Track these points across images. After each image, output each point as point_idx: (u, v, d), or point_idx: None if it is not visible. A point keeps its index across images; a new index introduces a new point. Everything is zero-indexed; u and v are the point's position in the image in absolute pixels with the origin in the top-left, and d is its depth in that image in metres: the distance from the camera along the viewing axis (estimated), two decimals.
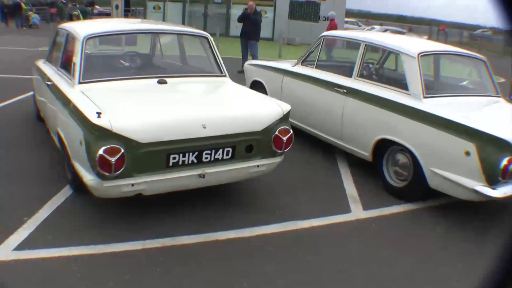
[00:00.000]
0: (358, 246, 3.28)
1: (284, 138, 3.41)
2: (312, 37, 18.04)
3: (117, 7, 15.87)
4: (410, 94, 4.00)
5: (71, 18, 22.35)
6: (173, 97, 3.71)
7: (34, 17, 23.17)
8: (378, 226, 3.60)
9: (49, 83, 4.15)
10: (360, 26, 36.01)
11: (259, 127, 3.35)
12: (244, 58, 10.49)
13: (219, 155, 3.22)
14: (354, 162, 4.80)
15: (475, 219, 3.83)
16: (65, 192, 3.71)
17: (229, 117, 3.32)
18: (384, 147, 4.17)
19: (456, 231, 3.59)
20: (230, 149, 3.26)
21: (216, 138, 3.16)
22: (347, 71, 4.76)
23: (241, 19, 10.60)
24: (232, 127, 3.24)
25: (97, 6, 35.94)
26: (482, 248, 3.28)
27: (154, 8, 22.42)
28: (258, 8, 10.91)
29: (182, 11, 22.19)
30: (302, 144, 5.21)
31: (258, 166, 3.44)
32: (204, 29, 5.74)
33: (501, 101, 4.36)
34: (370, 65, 5.13)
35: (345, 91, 4.56)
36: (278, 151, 3.46)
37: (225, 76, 4.20)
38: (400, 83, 4.23)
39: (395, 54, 4.77)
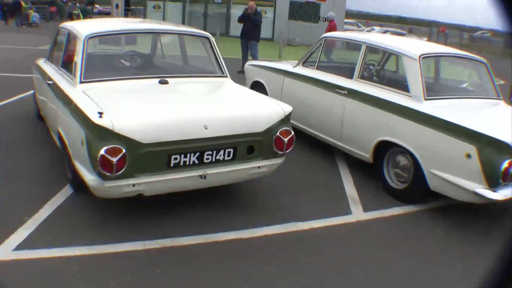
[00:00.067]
0: (358, 248, 3.28)
1: (285, 139, 3.41)
2: (312, 37, 18.10)
3: (117, 6, 15.85)
4: (411, 96, 4.00)
5: (71, 17, 22.33)
6: (175, 98, 3.70)
7: (34, 15, 23.15)
8: (379, 228, 3.61)
9: (50, 82, 4.14)
10: (359, 27, 36.06)
11: (260, 128, 3.34)
12: (244, 59, 10.49)
13: (220, 156, 3.22)
14: (354, 163, 4.81)
15: (475, 221, 3.83)
16: (66, 192, 3.71)
17: (231, 118, 3.31)
18: (384, 148, 4.18)
19: (456, 233, 3.60)
20: (232, 150, 3.25)
21: (218, 139, 3.16)
22: (348, 73, 4.76)
23: (241, 19, 10.59)
24: (234, 128, 3.23)
25: (97, 5, 35.96)
26: (482, 250, 3.29)
27: (154, 7, 22.40)
28: (258, 9, 10.90)
29: (182, 10, 22.18)
30: (302, 145, 5.21)
31: (259, 167, 3.43)
32: (204, 29, 5.74)
33: (502, 103, 4.37)
34: (371, 67, 5.14)
35: (346, 92, 4.56)
36: (279, 152, 3.46)
37: (226, 76, 4.20)
38: (401, 85, 4.23)
39: (396, 55, 4.77)
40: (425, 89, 3.94)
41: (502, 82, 9.58)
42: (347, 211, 3.82)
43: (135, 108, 3.24)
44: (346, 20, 27.67)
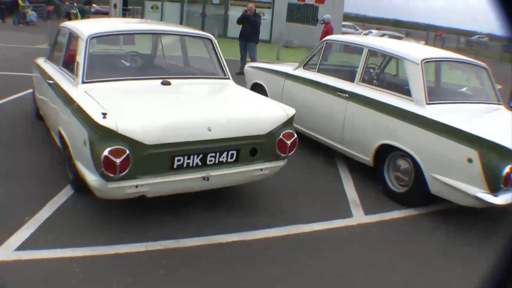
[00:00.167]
0: (359, 251, 3.29)
1: (288, 142, 3.42)
2: (310, 40, 18.14)
3: (115, 6, 15.76)
4: (413, 100, 4.02)
5: (68, 16, 22.23)
6: (178, 99, 3.70)
7: (31, 14, 23.04)
8: (379, 231, 3.62)
9: (50, 81, 4.12)
10: (357, 30, 36.15)
11: (263, 131, 3.35)
12: (243, 60, 10.49)
13: (223, 158, 3.22)
14: (354, 166, 4.82)
15: (475, 225, 3.85)
16: (66, 192, 3.69)
17: (235, 120, 3.31)
18: (385, 152, 4.19)
19: (456, 236, 3.62)
20: (235, 152, 3.25)
21: (221, 141, 3.16)
22: (349, 76, 4.78)
23: (240, 20, 10.60)
24: (237, 130, 3.23)
25: (94, 5, 35.83)
26: (482, 253, 3.31)
27: (152, 7, 22.34)
28: (257, 10, 10.90)
29: (180, 11, 22.13)
30: (303, 148, 5.22)
31: (261, 169, 3.44)
32: (202, 30, 5.72)
33: (502, 108, 4.40)
34: (371, 70, 5.16)
35: (347, 95, 4.57)
36: (282, 154, 3.46)
37: (228, 78, 4.20)
38: (403, 89, 4.25)
39: (398, 60, 4.79)
40: (427, 94, 3.95)
41: (500, 87, 9.64)
42: (348, 214, 3.83)
43: (138, 109, 3.23)
44: (343, 23, 27.73)
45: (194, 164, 3.12)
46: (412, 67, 4.11)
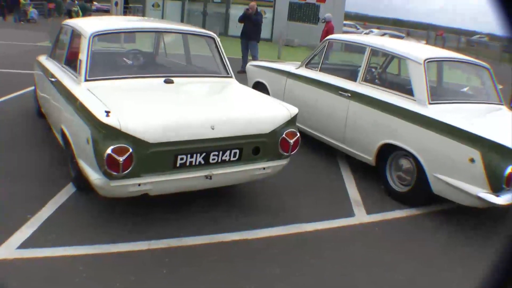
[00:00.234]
0: (361, 250, 3.29)
1: (291, 141, 3.42)
2: (311, 39, 18.13)
3: (116, 4, 15.74)
4: (415, 100, 4.01)
5: (69, 13, 22.22)
6: (181, 97, 3.69)
7: (32, 11, 23.01)
8: (381, 230, 3.62)
9: (52, 79, 4.11)
10: (358, 29, 36.11)
11: (266, 130, 3.34)
12: (244, 59, 10.48)
13: (226, 156, 3.21)
14: (356, 165, 4.82)
15: (476, 225, 3.86)
16: (68, 191, 3.68)
17: (238, 119, 3.31)
18: (387, 151, 4.19)
19: (457, 236, 3.62)
20: (237, 151, 3.25)
21: (224, 140, 3.15)
22: (352, 75, 4.77)
23: (242, 19, 10.58)
24: (240, 129, 3.23)
25: (95, 3, 35.80)
26: (483, 253, 3.31)
27: (153, 5, 22.32)
28: (258, 9, 10.89)
29: (181, 9, 22.12)
30: (305, 147, 5.21)
31: (264, 168, 3.43)
32: (203, 28, 5.70)
33: (504, 108, 4.40)
34: (374, 70, 5.15)
35: (349, 95, 4.57)
36: (285, 153, 3.46)
37: (231, 77, 4.19)
38: (405, 89, 4.24)
39: (400, 59, 4.78)
40: (429, 93, 3.95)
41: (500, 87, 9.63)
42: (350, 214, 3.83)
43: (142, 107, 3.22)
44: (344, 22, 27.70)
45: (197, 163, 3.12)
46: (415, 67, 4.11)
